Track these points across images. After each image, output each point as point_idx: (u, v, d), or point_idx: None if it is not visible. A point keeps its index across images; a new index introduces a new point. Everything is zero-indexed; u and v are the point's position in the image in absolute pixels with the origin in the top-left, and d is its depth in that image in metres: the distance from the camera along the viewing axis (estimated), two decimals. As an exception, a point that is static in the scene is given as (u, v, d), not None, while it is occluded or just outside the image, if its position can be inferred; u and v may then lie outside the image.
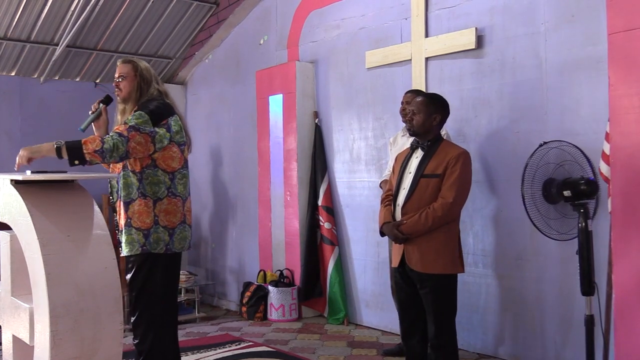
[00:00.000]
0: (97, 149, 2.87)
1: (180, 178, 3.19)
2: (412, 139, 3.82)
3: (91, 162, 2.91)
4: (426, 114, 3.51)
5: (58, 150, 2.81)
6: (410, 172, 3.53)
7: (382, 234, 3.63)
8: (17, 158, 2.82)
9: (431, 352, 3.47)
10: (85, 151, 2.85)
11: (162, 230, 3.13)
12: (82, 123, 3.24)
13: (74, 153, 2.84)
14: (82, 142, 2.87)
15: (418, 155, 3.55)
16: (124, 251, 3.14)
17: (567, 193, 3.18)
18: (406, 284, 3.53)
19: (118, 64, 3.28)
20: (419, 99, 3.62)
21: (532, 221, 3.32)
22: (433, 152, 3.49)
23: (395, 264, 3.56)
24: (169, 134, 3.12)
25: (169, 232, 3.14)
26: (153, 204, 3.12)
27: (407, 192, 3.49)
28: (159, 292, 3.16)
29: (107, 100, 3.33)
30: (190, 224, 3.30)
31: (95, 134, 3.29)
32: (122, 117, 3.23)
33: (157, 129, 3.06)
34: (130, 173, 3.13)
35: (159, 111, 3.12)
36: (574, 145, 3.44)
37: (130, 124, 3.01)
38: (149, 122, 3.04)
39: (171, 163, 3.14)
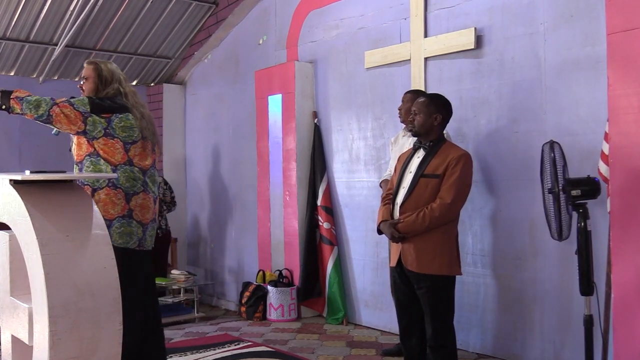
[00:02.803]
0: (20, 96, 3.05)
1: (123, 172, 3.20)
2: (413, 139, 3.83)
3: (13, 110, 3.06)
4: (427, 114, 3.52)
5: None
6: (410, 172, 3.54)
7: (380, 232, 3.63)
8: None
9: (430, 352, 3.47)
10: (11, 96, 3.05)
11: None
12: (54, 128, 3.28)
13: (4, 97, 3.07)
14: (16, 90, 3.09)
15: (420, 155, 3.56)
16: None
17: (575, 192, 3.16)
18: (404, 283, 3.54)
19: (84, 65, 3.44)
20: (420, 99, 3.62)
21: (560, 222, 3.21)
22: (435, 153, 3.50)
23: (393, 263, 3.57)
24: (107, 125, 3.18)
25: (105, 223, 3.09)
26: (91, 192, 3.15)
27: (406, 191, 3.49)
28: None
29: None
30: (141, 220, 3.24)
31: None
32: None
33: (93, 114, 3.15)
34: (74, 165, 3.24)
35: (103, 104, 3.22)
36: (552, 142, 3.37)
37: (69, 99, 3.18)
38: (87, 106, 3.16)
39: (113, 156, 3.19)
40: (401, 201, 3.50)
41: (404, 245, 3.47)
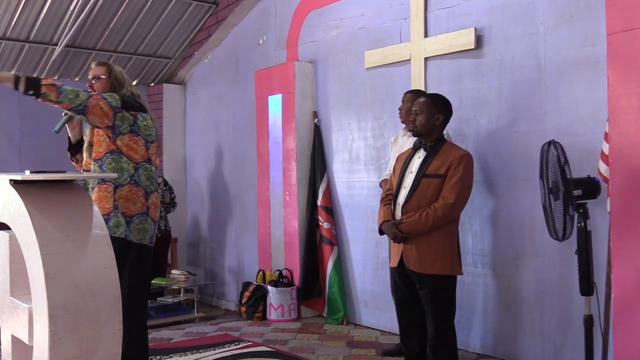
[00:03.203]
0: (56, 83, 2.98)
1: (144, 170, 3.28)
2: (413, 138, 3.83)
3: (45, 97, 2.96)
4: (429, 114, 3.52)
5: (17, 79, 2.91)
6: (411, 172, 3.53)
7: (381, 232, 3.63)
8: None
9: (430, 352, 3.47)
10: (43, 82, 2.95)
11: (120, 215, 3.20)
12: (56, 124, 3.27)
13: (32, 82, 2.94)
14: (44, 77, 3.02)
15: (420, 155, 3.55)
16: None
17: (577, 192, 3.16)
18: (405, 284, 3.54)
19: (92, 66, 3.43)
20: (421, 99, 3.62)
21: (565, 222, 3.21)
22: (436, 153, 3.49)
23: (394, 264, 3.56)
24: (133, 122, 3.25)
25: (126, 219, 3.21)
26: (113, 189, 3.21)
27: (408, 191, 3.49)
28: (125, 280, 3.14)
29: None
30: (154, 218, 3.35)
31: (70, 135, 3.43)
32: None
33: (123, 110, 3.20)
34: (93, 162, 3.27)
35: (131, 102, 3.29)
36: (554, 142, 3.37)
37: (101, 93, 3.23)
38: (118, 102, 3.20)
39: (136, 152, 3.25)
40: (403, 201, 3.50)
41: (406, 246, 3.46)
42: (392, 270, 3.63)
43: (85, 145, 3.35)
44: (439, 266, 3.41)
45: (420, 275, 3.42)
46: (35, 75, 6.25)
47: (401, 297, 3.59)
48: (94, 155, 3.27)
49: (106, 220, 3.13)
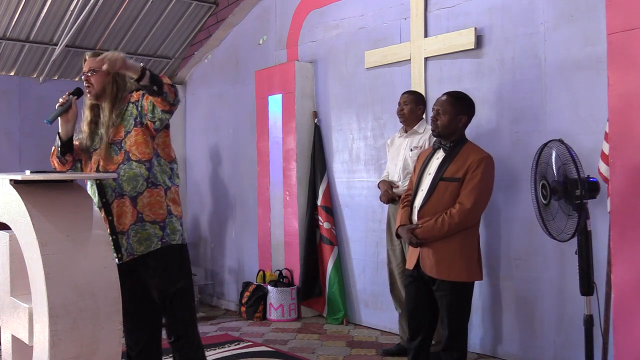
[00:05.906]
0: (171, 84, 2.81)
1: (176, 167, 3.11)
2: (409, 139, 3.79)
3: (165, 97, 2.77)
4: (452, 114, 3.37)
5: (143, 70, 2.69)
6: (429, 174, 3.41)
7: (398, 236, 3.54)
8: (112, 54, 2.65)
9: (442, 354, 3.40)
10: (164, 82, 2.77)
11: (175, 220, 3.01)
12: (50, 115, 3.00)
13: (155, 79, 2.74)
14: (162, 75, 2.84)
15: (439, 156, 3.42)
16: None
17: (578, 192, 3.15)
18: (417, 287, 3.42)
19: (87, 57, 3.04)
20: (444, 97, 3.46)
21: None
22: (455, 155, 3.36)
23: (410, 266, 3.45)
24: None
25: (180, 222, 3.04)
26: (164, 193, 3.00)
27: (424, 194, 3.38)
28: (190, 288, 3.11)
29: (78, 93, 3.07)
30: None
31: (62, 129, 3.07)
32: (90, 113, 3.05)
33: None
34: (135, 164, 2.95)
35: None
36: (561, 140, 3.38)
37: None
38: None
39: (169, 149, 3.05)
40: (419, 205, 3.38)
41: (423, 250, 3.35)
42: (406, 272, 3.51)
43: (103, 145, 2.96)
44: (456, 272, 3.29)
45: (436, 280, 3.32)
46: (34, 76, 6.31)
47: (412, 303, 3.46)
48: (138, 156, 2.93)
49: (161, 228, 2.93)
